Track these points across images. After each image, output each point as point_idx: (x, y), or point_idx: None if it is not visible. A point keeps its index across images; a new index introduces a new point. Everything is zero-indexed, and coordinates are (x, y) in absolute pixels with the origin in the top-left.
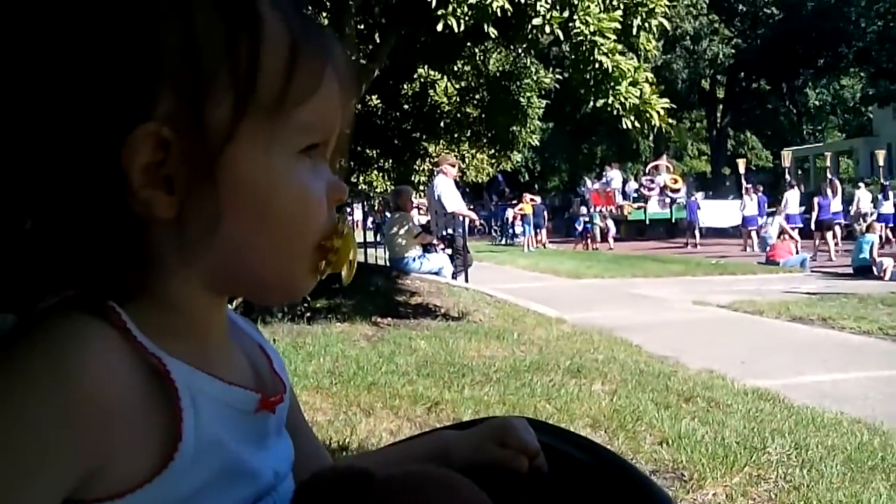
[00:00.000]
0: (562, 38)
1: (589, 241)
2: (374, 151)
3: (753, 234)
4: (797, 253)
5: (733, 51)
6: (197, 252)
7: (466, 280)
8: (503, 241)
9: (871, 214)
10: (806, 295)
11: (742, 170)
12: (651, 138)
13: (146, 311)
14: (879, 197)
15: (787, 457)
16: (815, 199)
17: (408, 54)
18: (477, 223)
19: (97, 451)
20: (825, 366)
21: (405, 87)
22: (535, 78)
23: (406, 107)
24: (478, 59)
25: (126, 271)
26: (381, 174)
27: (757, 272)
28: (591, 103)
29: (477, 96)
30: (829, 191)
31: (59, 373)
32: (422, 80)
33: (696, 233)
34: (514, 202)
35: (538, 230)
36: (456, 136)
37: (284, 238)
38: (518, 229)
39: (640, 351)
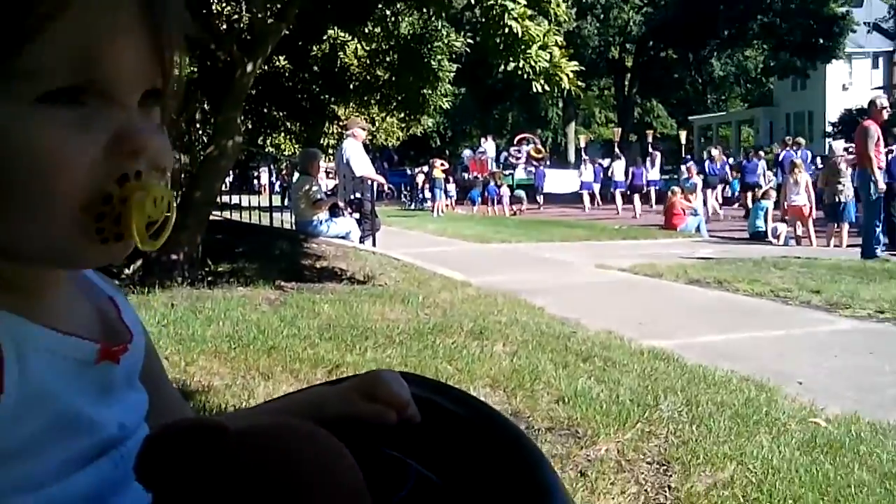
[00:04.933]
0: (473, 2)
1: (503, 206)
2: (282, 113)
3: (587, 196)
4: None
5: (643, 19)
6: None
7: (374, 244)
8: (412, 207)
9: (769, 182)
10: (703, 259)
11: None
12: (560, 105)
13: None
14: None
15: (679, 413)
16: (631, 169)
17: (317, 15)
18: (385, 188)
19: None
20: (719, 326)
21: (314, 48)
22: (446, 41)
23: (315, 68)
24: (388, 21)
25: None
26: (288, 137)
27: (658, 237)
28: (502, 67)
29: (387, 59)
30: (648, 162)
31: None
32: (331, 41)
33: (539, 198)
34: (423, 166)
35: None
36: (365, 98)
37: (28, 200)
38: (428, 194)
39: (542, 313)
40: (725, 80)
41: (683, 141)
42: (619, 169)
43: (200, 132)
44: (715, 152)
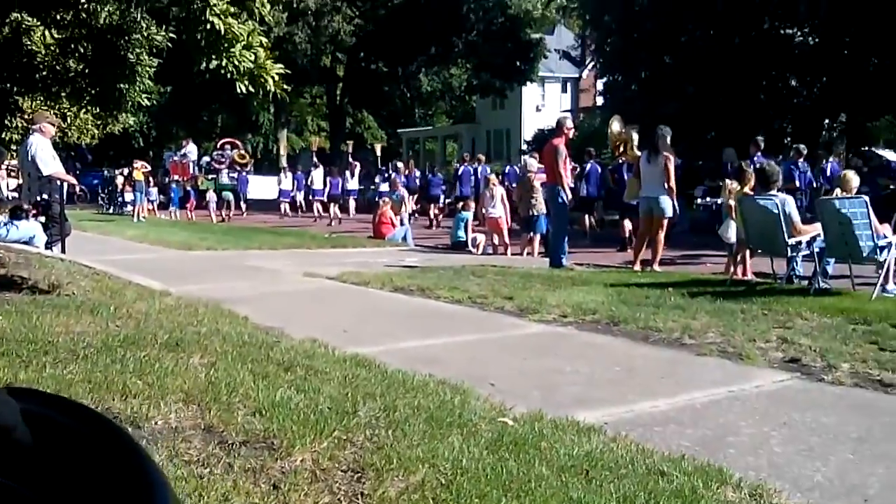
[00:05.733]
0: None
1: (210, 212)
2: None
3: (286, 204)
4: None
5: (354, 29)
6: None
7: (63, 251)
8: (111, 210)
9: (452, 195)
10: (408, 267)
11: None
12: (272, 111)
13: None
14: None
15: (376, 419)
16: (328, 179)
17: None
18: (78, 189)
19: None
20: (420, 332)
21: None
22: (146, 34)
23: None
24: (82, 8)
25: None
26: None
27: (366, 245)
28: (204, 65)
29: (81, 49)
30: (347, 172)
31: None
32: (14, 25)
33: (242, 204)
34: (123, 167)
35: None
36: (55, 90)
37: None
38: (128, 197)
39: (245, 322)
40: (432, 96)
41: (379, 153)
42: (317, 178)
43: None
44: (401, 165)
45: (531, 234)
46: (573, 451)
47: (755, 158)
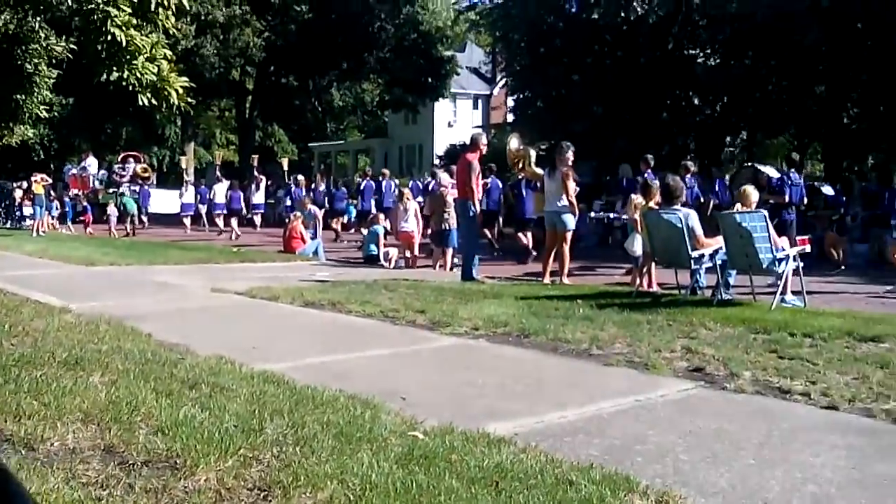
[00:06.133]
0: (72, 4)
1: (111, 226)
2: None
3: (188, 218)
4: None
5: (264, 43)
6: None
7: None
8: (8, 225)
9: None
10: (319, 282)
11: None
12: (178, 124)
13: None
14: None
15: (284, 436)
16: (229, 193)
17: None
18: None
19: None
20: (331, 347)
21: None
22: (44, 44)
23: None
24: None
25: None
26: None
27: (276, 260)
28: (105, 76)
29: None
30: (253, 186)
31: None
32: None
33: (144, 217)
34: (22, 181)
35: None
36: None
37: None
38: (27, 211)
39: (149, 340)
40: (344, 110)
41: (286, 168)
42: (220, 192)
43: None
44: (301, 178)
45: (443, 247)
46: (483, 462)
47: (646, 175)
